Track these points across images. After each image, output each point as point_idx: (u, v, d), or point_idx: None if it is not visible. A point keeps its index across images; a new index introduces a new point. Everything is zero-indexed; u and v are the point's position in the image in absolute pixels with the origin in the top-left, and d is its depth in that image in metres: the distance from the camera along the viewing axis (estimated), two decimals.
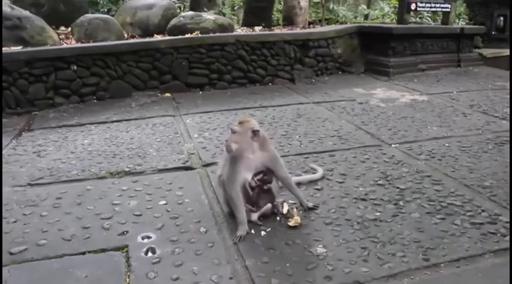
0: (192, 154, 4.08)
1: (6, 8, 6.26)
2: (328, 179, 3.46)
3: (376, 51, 7.96)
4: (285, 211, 2.91)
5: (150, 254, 2.53)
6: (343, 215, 2.89)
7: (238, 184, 2.74)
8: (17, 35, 6.09)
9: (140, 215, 2.96)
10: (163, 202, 3.14)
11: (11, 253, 2.58)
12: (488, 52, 9.01)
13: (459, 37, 8.53)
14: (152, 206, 3.08)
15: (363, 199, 3.10)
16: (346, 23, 10.22)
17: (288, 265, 2.38)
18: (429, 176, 3.47)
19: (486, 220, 2.78)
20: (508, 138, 4.25)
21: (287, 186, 2.93)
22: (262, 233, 2.70)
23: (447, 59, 8.40)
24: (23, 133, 4.91)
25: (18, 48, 5.89)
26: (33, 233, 2.78)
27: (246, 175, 2.78)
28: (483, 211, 2.89)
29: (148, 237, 2.70)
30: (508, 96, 5.87)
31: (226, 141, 2.76)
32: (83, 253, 2.57)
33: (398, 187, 3.27)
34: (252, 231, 2.71)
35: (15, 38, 6.07)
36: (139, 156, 4.05)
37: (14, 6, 6.50)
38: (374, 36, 8.03)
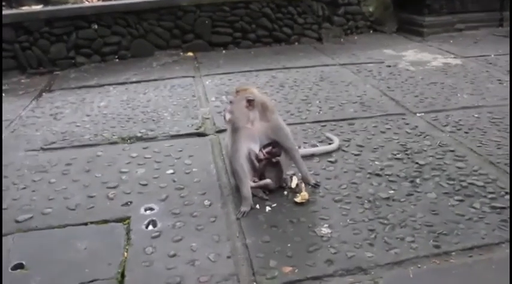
0: (207, 119, 3.98)
1: None
2: (343, 150, 3.30)
3: (410, 9, 7.49)
4: (293, 185, 2.79)
5: (150, 227, 2.49)
6: (355, 192, 2.75)
7: (241, 156, 2.63)
8: None
9: (146, 185, 2.91)
10: (171, 171, 3.07)
11: (17, 221, 2.59)
12: None
13: None
14: (159, 175, 3.02)
15: (378, 175, 2.94)
16: None
17: (289, 245, 2.28)
18: (452, 151, 3.26)
19: (508, 204, 2.58)
20: None
21: (292, 158, 2.79)
22: (267, 209, 2.60)
23: (488, 18, 7.81)
24: (43, 94, 4.92)
25: (38, 7, 5.83)
26: (40, 201, 2.78)
27: (251, 146, 2.67)
28: (506, 193, 2.68)
29: (151, 209, 2.65)
30: None
31: (224, 110, 2.64)
32: (85, 224, 2.55)
33: (417, 163, 3.08)
34: (257, 206, 2.62)
35: None
36: (153, 120, 3.98)
37: None
38: None
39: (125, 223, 2.54)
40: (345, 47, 6.53)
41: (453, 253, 2.20)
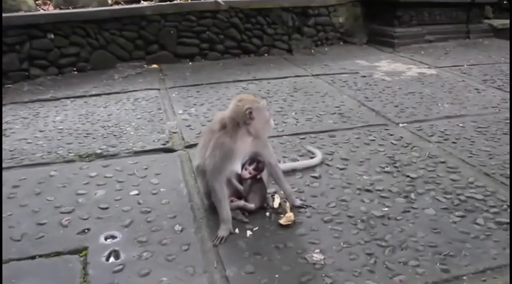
0: (174, 133, 3.62)
1: None
2: (327, 165, 3.01)
3: (380, 20, 7.39)
4: (276, 205, 2.47)
5: (112, 259, 2.11)
6: (345, 210, 2.45)
7: (225, 176, 2.29)
8: None
9: (106, 208, 2.52)
10: (135, 192, 2.69)
11: None
12: (498, 23, 8.39)
13: (469, 6, 7.95)
14: (122, 197, 2.64)
15: (368, 191, 2.66)
16: None
17: (277, 276, 1.95)
18: (443, 162, 3.02)
19: None
20: None
21: (274, 176, 2.47)
22: (248, 233, 2.27)
23: (456, 30, 7.83)
24: None
25: None
26: None
27: (234, 164, 2.33)
28: (509, 206, 2.45)
29: (113, 237, 2.27)
30: None
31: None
32: (33, 258, 2.14)
33: (408, 176, 2.82)
34: (236, 231, 2.28)
35: None
36: (114, 135, 3.59)
37: None
38: (378, 4, 7.45)
39: (81, 255, 2.15)
40: (316, 58, 6.31)
41: (465, 277, 1.94)
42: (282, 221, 2.32)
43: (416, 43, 7.23)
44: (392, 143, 3.35)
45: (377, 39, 7.28)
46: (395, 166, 2.96)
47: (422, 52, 6.73)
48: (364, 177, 2.83)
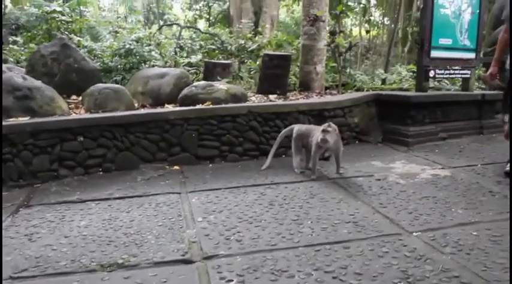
0: (193, 242, 3.73)
1: (18, 79, 6.23)
2: (341, 280, 3.06)
3: (394, 119, 7.68)
4: None
5: None
6: None
7: None
8: (25, 105, 5.99)
9: None
10: None
11: None
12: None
13: (480, 103, 8.28)
14: None
15: None
16: (363, 88, 10.06)
17: None
18: (457, 277, 3.04)
19: None
20: None
21: None
22: None
23: (469, 126, 8.10)
24: (21, 209, 4.66)
25: (25, 119, 5.78)
26: None
27: None
28: None
29: None
30: None
31: None
32: None
33: None
34: None
35: (24, 108, 5.97)
36: (136, 244, 3.72)
37: (27, 77, 6.47)
38: (392, 104, 7.79)
39: None
40: (332, 160, 6.48)
41: None
42: None
43: (430, 141, 7.43)
44: (405, 255, 3.40)
45: (391, 138, 7.51)
46: (408, 282, 3.00)
47: (437, 150, 6.90)
48: None
